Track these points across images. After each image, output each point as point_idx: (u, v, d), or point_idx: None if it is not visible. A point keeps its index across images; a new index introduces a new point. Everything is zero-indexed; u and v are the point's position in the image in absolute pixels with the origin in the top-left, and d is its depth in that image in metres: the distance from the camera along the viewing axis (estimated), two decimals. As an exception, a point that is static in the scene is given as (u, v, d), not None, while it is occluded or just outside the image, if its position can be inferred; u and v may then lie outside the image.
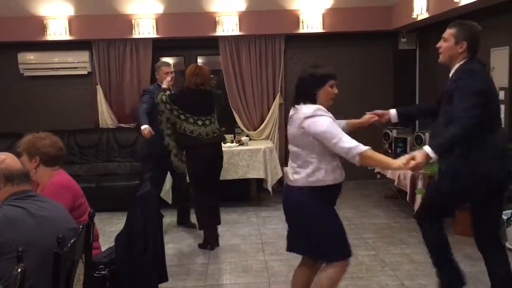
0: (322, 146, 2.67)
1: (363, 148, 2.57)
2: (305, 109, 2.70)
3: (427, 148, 2.68)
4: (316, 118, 2.65)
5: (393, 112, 3.28)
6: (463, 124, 2.70)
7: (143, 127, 4.81)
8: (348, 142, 2.59)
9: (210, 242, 4.64)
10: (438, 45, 3.01)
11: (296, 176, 2.77)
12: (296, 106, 2.77)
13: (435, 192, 3.19)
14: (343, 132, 2.66)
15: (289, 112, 2.86)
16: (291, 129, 2.79)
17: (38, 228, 2.15)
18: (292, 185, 2.81)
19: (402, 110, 3.34)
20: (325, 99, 2.76)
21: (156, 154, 4.95)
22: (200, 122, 4.45)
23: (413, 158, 2.61)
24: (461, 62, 2.93)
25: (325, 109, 2.71)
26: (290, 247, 2.94)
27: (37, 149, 2.86)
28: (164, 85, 4.70)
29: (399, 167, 2.64)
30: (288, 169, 2.86)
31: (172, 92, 4.62)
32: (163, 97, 4.39)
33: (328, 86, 2.74)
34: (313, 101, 2.73)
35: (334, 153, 2.69)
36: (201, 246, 4.69)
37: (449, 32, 2.94)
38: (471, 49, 2.91)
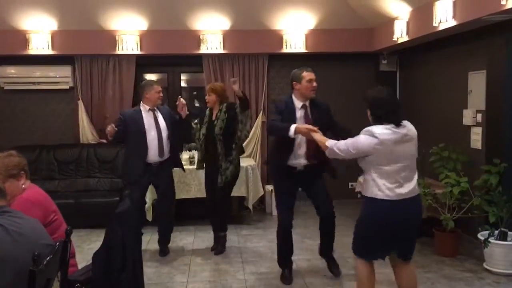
0: None
1: None
2: (411, 125, 3.09)
3: None
4: None
5: None
6: None
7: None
8: None
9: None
10: (315, 84, 3.91)
11: (418, 187, 3.15)
12: (401, 124, 3.02)
13: None
14: None
15: None
16: (409, 147, 3.03)
17: (13, 245, 2.11)
18: (416, 195, 3.10)
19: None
20: None
21: (132, 172, 4.82)
22: None
23: None
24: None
25: None
26: (409, 255, 3.21)
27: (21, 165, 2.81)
28: (149, 106, 4.71)
29: None
30: (411, 184, 3.04)
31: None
32: None
33: None
34: None
35: None
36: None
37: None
38: None
